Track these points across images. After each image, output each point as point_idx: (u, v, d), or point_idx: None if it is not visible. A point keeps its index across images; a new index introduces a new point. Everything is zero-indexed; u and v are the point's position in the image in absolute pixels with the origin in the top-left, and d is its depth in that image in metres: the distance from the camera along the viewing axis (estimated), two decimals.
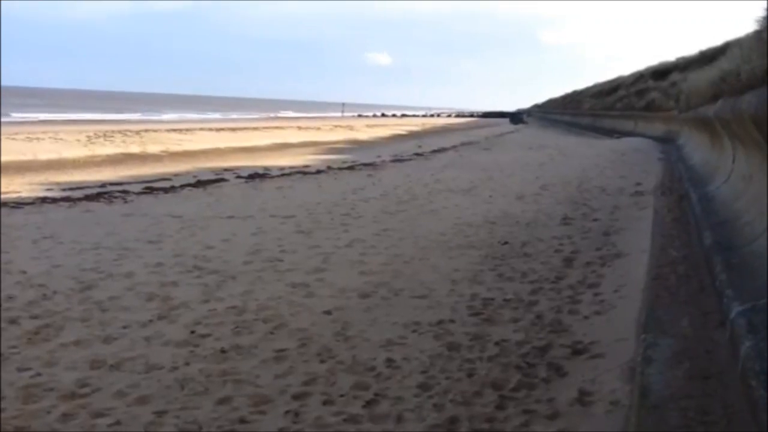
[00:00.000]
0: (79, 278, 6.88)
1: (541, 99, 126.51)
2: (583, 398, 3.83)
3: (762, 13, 7.44)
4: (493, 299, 6.02)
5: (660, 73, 34.05)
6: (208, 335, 5.05)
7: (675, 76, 28.80)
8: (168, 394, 3.99)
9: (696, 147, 14.16)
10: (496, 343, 4.81)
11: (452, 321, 5.39)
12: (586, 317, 5.35)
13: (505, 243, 8.68)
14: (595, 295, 5.98)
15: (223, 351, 4.69)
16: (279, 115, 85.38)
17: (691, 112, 14.22)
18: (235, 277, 6.93)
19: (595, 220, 10.24)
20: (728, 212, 6.79)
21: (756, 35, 7.83)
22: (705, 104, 10.76)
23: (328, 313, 5.64)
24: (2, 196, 13.90)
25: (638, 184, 13.78)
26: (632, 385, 3.79)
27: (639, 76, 39.27)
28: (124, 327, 5.25)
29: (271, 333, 5.10)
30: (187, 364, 4.45)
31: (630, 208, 10.99)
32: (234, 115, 77.62)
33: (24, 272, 7.16)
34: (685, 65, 29.48)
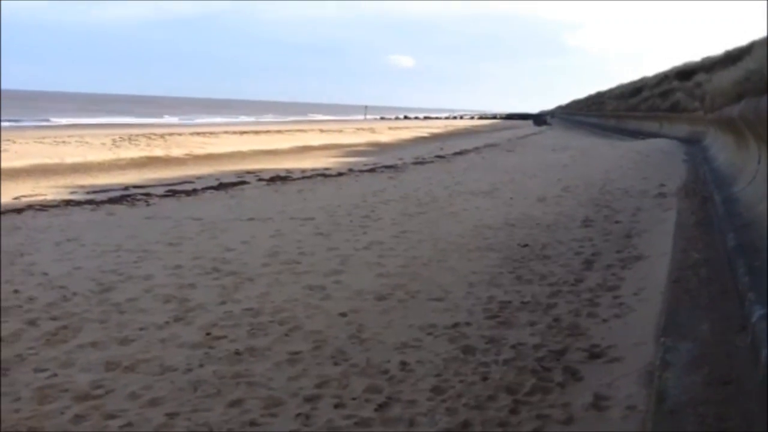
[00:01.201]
0: (99, 280, 6.93)
1: (564, 101, 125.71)
2: (598, 403, 3.77)
3: None
4: (510, 302, 5.96)
5: (685, 73, 33.64)
6: (223, 337, 5.05)
7: (700, 77, 28.46)
8: (180, 396, 3.99)
9: (721, 148, 13.95)
10: (512, 347, 4.76)
11: (468, 324, 5.34)
12: (604, 320, 5.27)
13: (525, 245, 8.61)
14: (615, 298, 5.90)
15: (237, 353, 4.69)
16: (308, 118, 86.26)
17: (715, 113, 14.02)
18: (252, 279, 6.95)
19: (617, 222, 10.11)
20: (752, 214, 6.67)
21: None
22: (730, 104, 10.60)
23: (344, 315, 5.62)
24: (29, 199, 14.14)
25: (662, 185, 13.61)
26: (649, 389, 3.72)
27: (663, 77, 38.84)
28: (141, 329, 5.27)
29: (286, 335, 5.09)
30: (201, 365, 4.45)
31: (653, 210, 10.85)
32: (269, 117, 79.71)
33: (46, 274, 7.24)
34: (710, 65, 29.11)
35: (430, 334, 5.11)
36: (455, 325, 5.31)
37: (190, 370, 4.39)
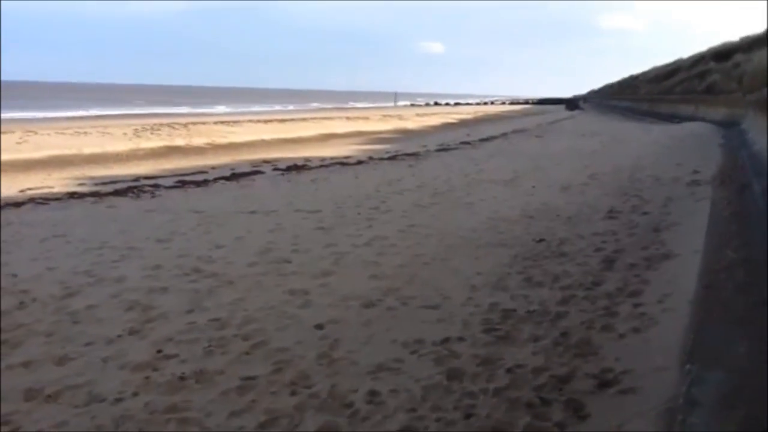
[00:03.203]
0: (66, 283, 6.33)
1: (598, 85, 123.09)
2: None
3: None
4: (514, 311, 5.19)
5: (722, 54, 32.09)
6: (175, 356, 4.37)
7: (738, 57, 27.05)
8: None
9: (761, 131, 12.92)
10: (508, 370, 3.99)
11: (461, 339, 4.58)
12: (621, 336, 4.47)
13: (541, 240, 7.82)
14: (635, 306, 5.09)
15: (182, 378, 4.00)
16: (348, 105, 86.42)
17: (755, 93, 12.98)
18: (232, 281, 6.28)
19: (645, 213, 9.25)
20: None
21: None
22: None
23: (320, 327, 4.90)
24: (33, 191, 13.72)
25: (695, 172, 12.62)
26: None
27: (699, 58, 37.26)
28: (87, 344, 4.62)
29: (247, 353, 4.39)
30: (136, 394, 3.78)
31: (685, 200, 9.93)
32: (315, 105, 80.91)
33: (15, 275, 6.66)
34: (749, 45, 27.65)
35: (414, 352, 4.36)
36: (445, 340, 4.55)
37: (120, 400, 3.71)
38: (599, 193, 11.49)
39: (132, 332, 4.87)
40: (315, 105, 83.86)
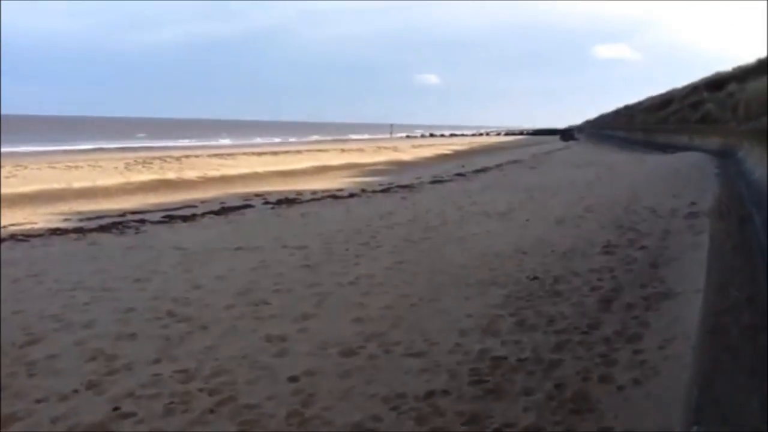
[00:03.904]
0: (31, 329, 5.95)
1: (593, 115, 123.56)
2: None
3: None
4: (505, 358, 4.82)
5: (715, 84, 32.08)
6: (132, 414, 3.99)
7: (732, 87, 27.00)
8: None
9: (758, 161, 12.66)
10: (497, 431, 3.62)
11: (446, 392, 4.20)
12: (620, 388, 4.10)
13: (534, 278, 7.48)
14: (635, 352, 4.73)
15: None
16: (348, 137, 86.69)
17: (751, 123, 12.75)
18: (206, 326, 5.91)
19: (642, 247, 8.91)
20: None
21: None
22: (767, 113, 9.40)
23: (295, 379, 4.52)
24: (16, 228, 13.41)
25: (693, 203, 12.32)
26: None
27: (693, 88, 37.30)
28: (39, 401, 4.24)
29: (211, 411, 4.01)
30: None
31: (683, 234, 9.61)
32: (314, 137, 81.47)
33: None
34: (742, 75, 27.61)
35: (394, 408, 3.99)
36: (429, 394, 4.17)
37: None
38: (595, 226, 11.17)
39: (90, 386, 4.48)
40: (315, 137, 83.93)
